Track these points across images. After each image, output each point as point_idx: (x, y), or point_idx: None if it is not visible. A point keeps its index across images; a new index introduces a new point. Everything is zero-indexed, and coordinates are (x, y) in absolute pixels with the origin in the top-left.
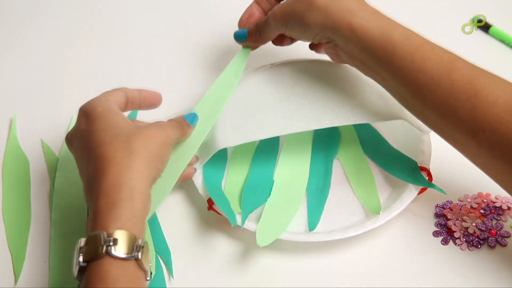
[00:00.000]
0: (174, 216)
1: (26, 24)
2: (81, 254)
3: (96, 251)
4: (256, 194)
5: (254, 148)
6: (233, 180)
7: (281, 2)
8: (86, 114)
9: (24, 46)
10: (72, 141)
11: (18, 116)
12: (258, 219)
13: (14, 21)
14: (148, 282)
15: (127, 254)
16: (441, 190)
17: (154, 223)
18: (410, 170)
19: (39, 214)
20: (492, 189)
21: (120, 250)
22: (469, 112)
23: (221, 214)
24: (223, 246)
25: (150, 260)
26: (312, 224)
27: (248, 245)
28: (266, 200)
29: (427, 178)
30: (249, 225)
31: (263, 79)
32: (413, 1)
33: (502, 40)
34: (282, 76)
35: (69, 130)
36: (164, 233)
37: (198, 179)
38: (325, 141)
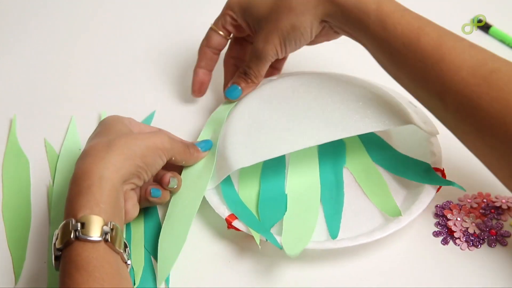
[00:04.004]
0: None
1: (26, 24)
2: (54, 244)
3: (66, 237)
4: (272, 209)
5: (261, 163)
6: (245, 197)
7: (260, 34)
8: (100, 122)
9: (24, 46)
10: None
11: (18, 116)
12: (278, 233)
13: (14, 21)
14: (128, 266)
15: (96, 236)
16: (461, 187)
17: (156, 231)
18: (424, 172)
19: (39, 214)
20: (492, 189)
21: (87, 233)
22: (437, 75)
23: (240, 231)
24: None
25: (126, 244)
26: (333, 232)
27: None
28: (284, 214)
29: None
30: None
31: (267, 93)
32: (413, 1)
33: (502, 40)
34: (285, 91)
35: (68, 130)
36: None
37: (212, 199)
38: (331, 152)
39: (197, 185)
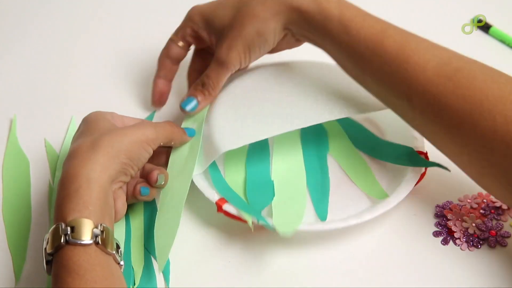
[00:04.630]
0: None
1: (26, 24)
2: (45, 248)
3: (57, 242)
4: (260, 194)
5: (246, 150)
6: (231, 183)
7: (223, 42)
8: (83, 120)
9: (24, 47)
10: None
11: (18, 116)
12: (268, 216)
13: (14, 21)
14: (122, 267)
15: (86, 239)
16: (445, 168)
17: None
18: (407, 155)
19: (39, 214)
20: None
21: (78, 236)
22: (403, 77)
23: (231, 215)
24: (224, 246)
25: (118, 245)
26: (322, 215)
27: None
28: (272, 199)
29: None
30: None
31: (250, 81)
32: (413, 1)
33: (502, 40)
34: (268, 78)
35: (68, 130)
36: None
37: (200, 183)
38: (314, 139)
39: (184, 171)
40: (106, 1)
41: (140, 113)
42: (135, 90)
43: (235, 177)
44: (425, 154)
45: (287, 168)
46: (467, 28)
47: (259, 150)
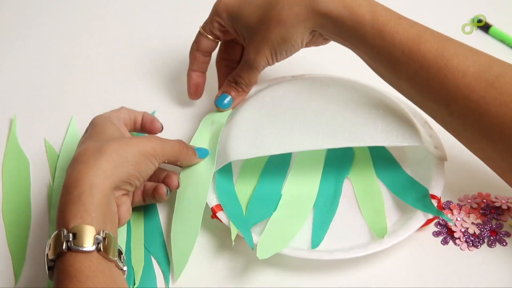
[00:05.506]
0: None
1: (26, 24)
2: (47, 254)
3: (59, 248)
4: (262, 206)
5: (264, 160)
6: (240, 191)
7: (250, 44)
8: (90, 123)
9: (25, 46)
10: None
11: (18, 116)
12: (261, 232)
13: (14, 21)
14: (125, 273)
15: (88, 246)
16: (450, 220)
17: (156, 231)
18: (421, 197)
19: (39, 214)
20: (492, 189)
21: (80, 243)
22: (441, 82)
23: (224, 223)
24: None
25: (120, 250)
26: (315, 241)
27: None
28: (272, 214)
29: (436, 206)
30: (253, 237)
31: (281, 92)
32: (413, 1)
33: (502, 40)
34: (300, 91)
35: (68, 130)
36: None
37: None
38: (338, 160)
39: (203, 174)
40: (106, 1)
41: None
42: (135, 90)
43: (245, 186)
44: (438, 199)
45: (301, 185)
46: (467, 28)
47: (278, 163)
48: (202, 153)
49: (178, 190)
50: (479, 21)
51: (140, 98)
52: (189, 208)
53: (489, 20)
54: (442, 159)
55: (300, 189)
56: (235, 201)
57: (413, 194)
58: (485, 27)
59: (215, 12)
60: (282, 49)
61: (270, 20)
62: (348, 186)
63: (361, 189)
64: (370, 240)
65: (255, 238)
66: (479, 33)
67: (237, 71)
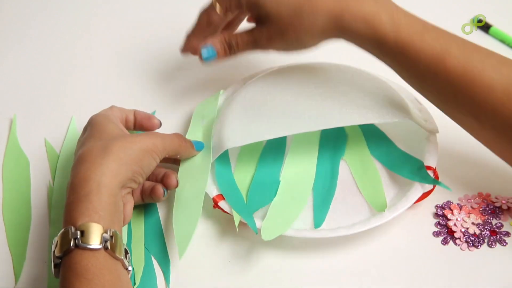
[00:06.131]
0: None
1: (26, 24)
2: (53, 252)
3: (66, 245)
4: (262, 193)
5: (261, 148)
6: (239, 179)
7: (264, 31)
8: (89, 122)
9: (24, 46)
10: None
11: (18, 116)
12: (263, 217)
13: (14, 21)
14: (129, 272)
15: (95, 244)
16: (447, 187)
17: (157, 231)
18: (416, 170)
19: (39, 214)
20: (492, 189)
21: (87, 241)
22: (469, 97)
23: (226, 212)
24: (225, 245)
25: (127, 250)
26: (318, 222)
27: (252, 243)
28: (272, 199)
29: (432, 176)
30: (255, 222)
31: (271, 81)
32: (413, 1)
33: (502, 40)
34: (289, 78)
35: (68, 130)
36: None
37: None
38: (332, 142)
39: (201, 164)
40: (106, 1)
41: None
42: (135, 90)
43: (244, 174)
44: (434, 170)
45: (298, 170)
46: (467, 28)
47: (274, 150)
48: (198, 146)
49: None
50: (479, 21)
51: (140, 98)
52: (189, 197)
53: (489, 20)
54: (433, 131)
55: (297, 174)
56: (235, 190)
57: (409, 168)
58: (485, 27)
59: None
60: (293, 48)
61: (292, 23)
62: (344, 167)
63: (357, 168)
64: (371, 216)
65: (258, 223)
66: (479, 33)
67: (238, 39)
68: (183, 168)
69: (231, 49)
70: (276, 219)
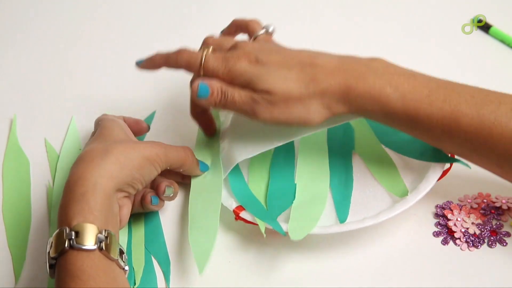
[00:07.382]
0: (176, 218)
1: (26, 24)
2: (48, 252)
3: (61, 246)
4: (280, 198)
5: (270, 155)
6: (255, 188)
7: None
8: (99, 125)
9: (25, 46)
10: None
11: (18, 116)
12: (286, 221)
13: (14, 21)
14: (126, 272)
15: (90, 245)
16: (467, 165)
17: (157, 231)
18: (430, 151)
19: (39, 214)
20: (492, 189)
21: (82, 241)
22: (488, 150)
23: (250, 222)
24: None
25: (122, 250)
26: (342, 217)
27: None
28: (292, 202)
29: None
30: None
31: None
32: (413, 2)
33: (502, 40)
34: None
35: (68, 130)
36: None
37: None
38: (340, 138)
39: (213, 180)
40: (106, 2)
41: (140, 113)
42: (135, 90)
43: (258, 183)
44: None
45: (312, 170)
46: (467, 28)
47: (284, 154)
48: (203, 167)
49: (189, 200)
50: (479, 21)
51: (140, 98)
52: (204, 214)
53: (489, 20)
54: None
55: (312, 174)
56: (254, 199)
57: (421, 150)
58: (485, 27)
59: None
60: (297, 122)
61: (301, 98)
62: (357, 160)
63: (370, 158)
64: (394, 203)
65: (283, 226)
66: (479, 33)
67: (235, 92)
68: (194, 185)
69: (226, 97)
70: (301, 219)
